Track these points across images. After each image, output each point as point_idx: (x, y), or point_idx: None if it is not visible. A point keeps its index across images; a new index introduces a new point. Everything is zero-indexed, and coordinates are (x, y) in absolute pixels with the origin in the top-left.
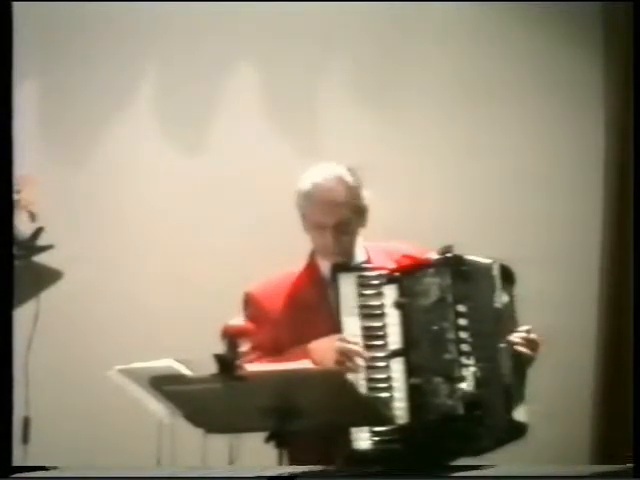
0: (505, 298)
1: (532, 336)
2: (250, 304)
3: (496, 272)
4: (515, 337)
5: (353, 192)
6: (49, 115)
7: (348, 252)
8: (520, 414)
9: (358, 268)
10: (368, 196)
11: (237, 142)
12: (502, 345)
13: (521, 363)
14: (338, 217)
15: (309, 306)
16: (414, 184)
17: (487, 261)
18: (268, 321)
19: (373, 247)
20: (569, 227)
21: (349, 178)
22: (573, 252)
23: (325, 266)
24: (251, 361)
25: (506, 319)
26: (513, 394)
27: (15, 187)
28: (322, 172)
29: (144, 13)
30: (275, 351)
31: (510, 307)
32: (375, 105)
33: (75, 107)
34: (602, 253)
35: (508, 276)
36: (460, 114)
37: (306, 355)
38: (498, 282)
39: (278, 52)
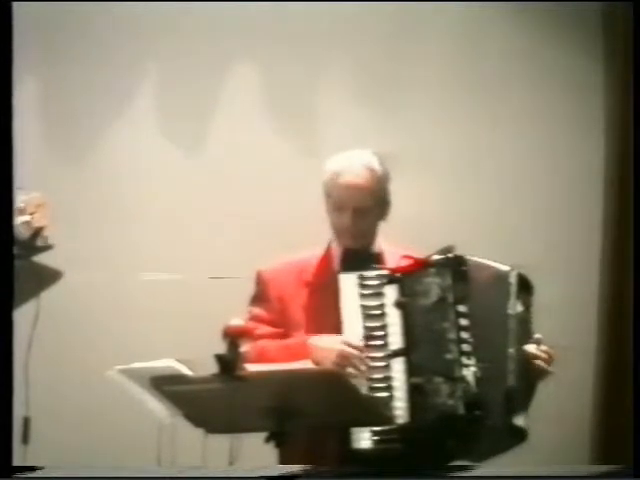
0: (519, 307)
1: (545, 348)
2: (259, 283)
3: (513, 280)
4: (529, 348)
5: (378, 181)
6: (49, 115)
7: (364, 238)
8: (521, 421)
9: (365, 261)
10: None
11: (237, 142)
12: (511, 350)
13: (531, 373)
14: (359, 201)
15: (317, 290)
16: (413, 185)
17: (505, 268)
18: (274, 301)
19: (390, 247)
20: (568, 228)
21: (377, 167)
22: (573, 254)
23: (338, 253)
24: (257, 338)
25: (518, 328)
26: (516, 399)
27: (27, 210)
28: (353, 156)
29: (144, 13)
30: (280, 330)
31: (524, 317)
32: (375, 105)
33: (75, 107)
34: (602, 255)
35: (525, 286)
36: (460, 115)
37: (307, 351)
38: (514, 290)
39: (278, 52)
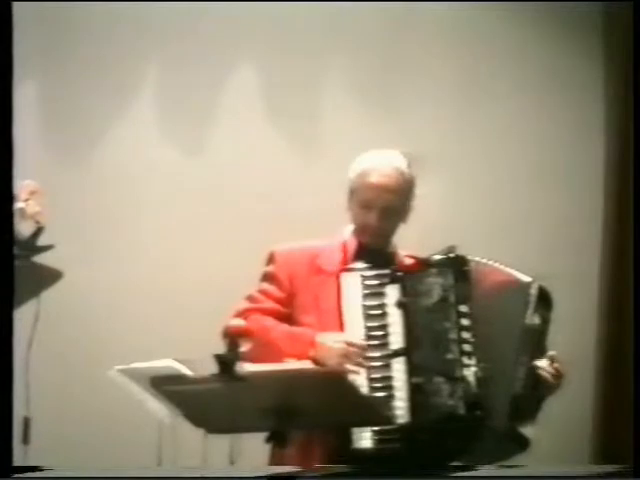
0: (536, 319)
1: (556, 365)
2: (271, 262)
3: (534, 291)
4: (541, 362)
5: (406, 183)
6: (49, 116)
7: (385, 237)
8: (526, 430)
9: (379, 260)
10: (418, 194)
11: (238, 143)
12: (520, 358)
13: (540, 386)
14: (387, 202)
15: (328, 279)
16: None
17: (527, 278)
18: (284, 280)
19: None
20: (568, 228)
21: (406, 170)
22: (572, 254)
23: (353, 247)
24: (262, 313)
25: (531, 339)
26: (521, 406)
27: (21, 196)
28: (383, 157)
29: (145, 14)
30: (288, 312)
31: (539, 329)
32: (375, 106)
33: (75, 108)
34: (602, 255)
35: (546, 300)
36: (459, 115)
37: (311, 345)
38: (533, 301)
39: (278, 53)
